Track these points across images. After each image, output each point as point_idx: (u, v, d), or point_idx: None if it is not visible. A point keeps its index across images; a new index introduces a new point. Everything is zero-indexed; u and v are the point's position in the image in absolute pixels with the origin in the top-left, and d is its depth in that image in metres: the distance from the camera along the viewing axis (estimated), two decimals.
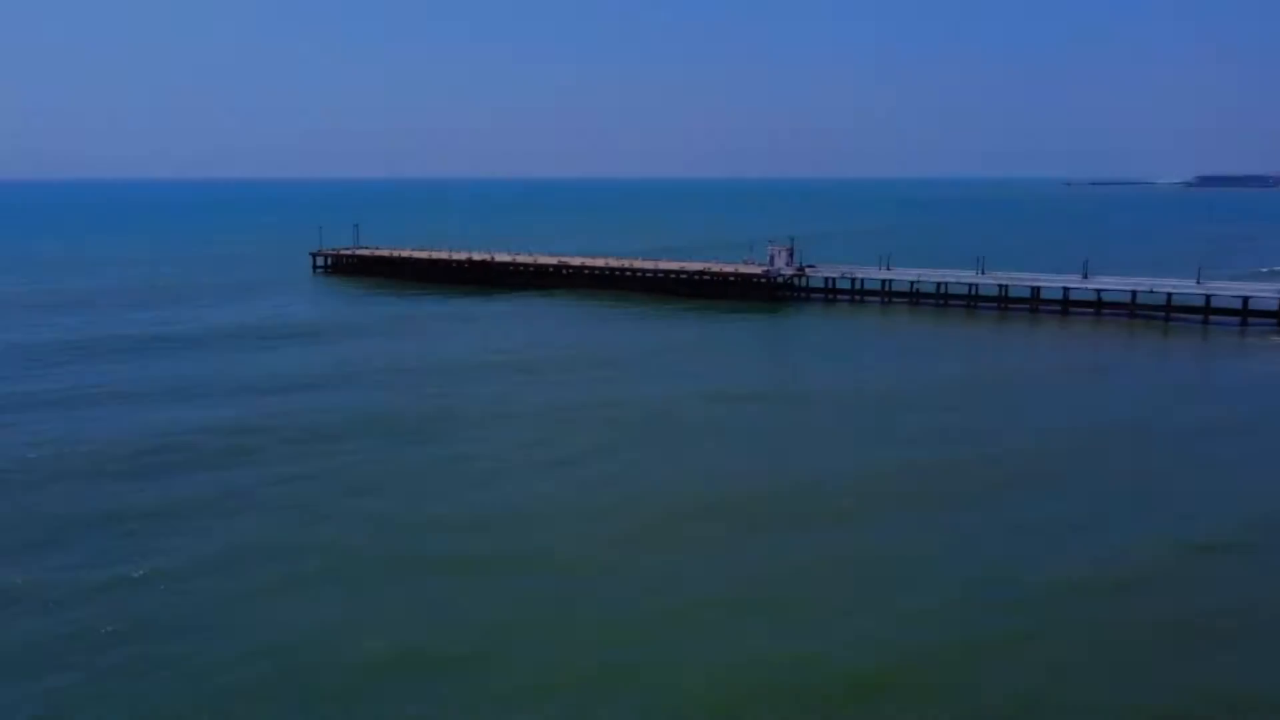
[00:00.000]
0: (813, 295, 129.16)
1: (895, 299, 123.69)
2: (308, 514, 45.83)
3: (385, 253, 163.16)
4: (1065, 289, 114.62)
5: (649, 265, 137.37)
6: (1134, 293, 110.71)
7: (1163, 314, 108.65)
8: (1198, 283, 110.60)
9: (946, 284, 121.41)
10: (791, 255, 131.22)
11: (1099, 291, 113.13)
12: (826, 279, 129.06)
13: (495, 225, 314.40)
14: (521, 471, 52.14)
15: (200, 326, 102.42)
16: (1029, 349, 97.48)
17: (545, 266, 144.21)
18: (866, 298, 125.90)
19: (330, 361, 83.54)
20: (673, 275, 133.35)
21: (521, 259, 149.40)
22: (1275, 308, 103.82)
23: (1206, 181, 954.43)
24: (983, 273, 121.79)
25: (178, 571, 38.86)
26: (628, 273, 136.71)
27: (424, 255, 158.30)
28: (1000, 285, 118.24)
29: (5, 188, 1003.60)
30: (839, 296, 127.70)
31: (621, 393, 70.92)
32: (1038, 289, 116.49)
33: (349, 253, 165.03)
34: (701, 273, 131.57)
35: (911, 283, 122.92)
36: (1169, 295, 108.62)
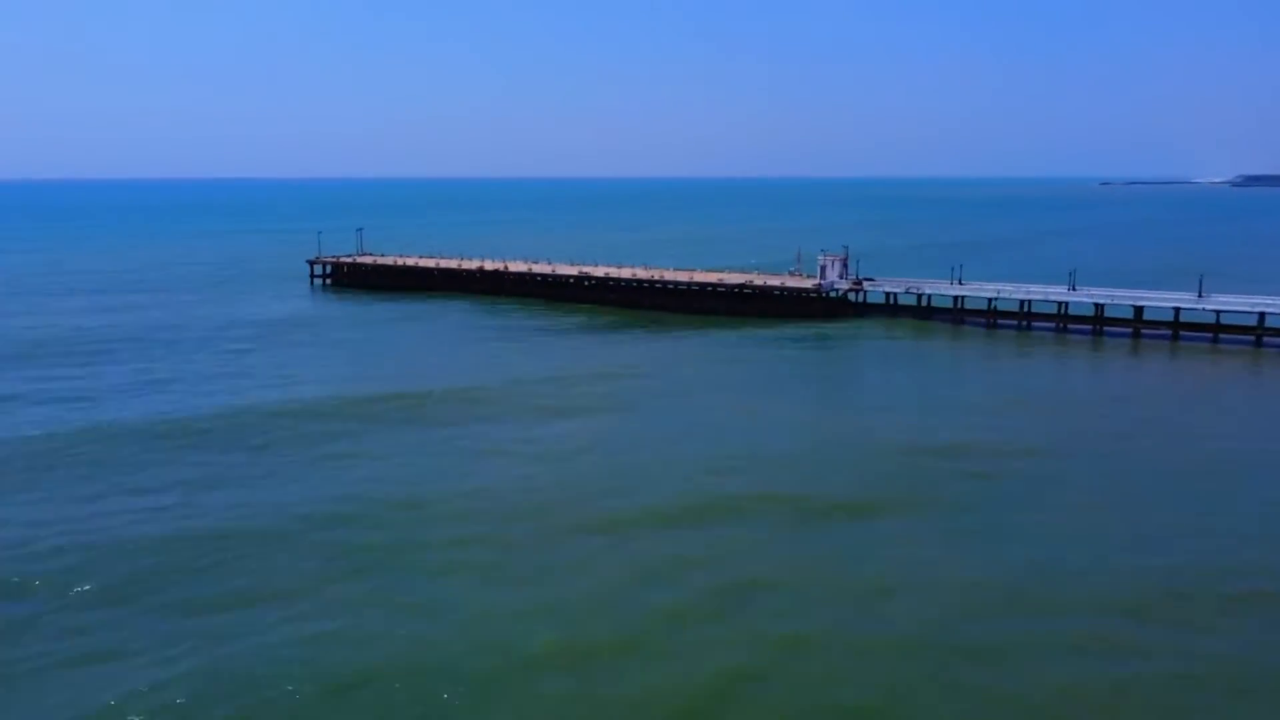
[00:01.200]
0: (871, 313, 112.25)
1: (969, 318, 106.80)
2: None
3: (390, 261, 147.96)
4: (1176, 309, 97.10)
5: (682, 277, 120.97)
6: (1262, 314, 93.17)
7: None
8: None
9: (1030, 301, 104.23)
10: (846, 266, 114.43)
11: (1218, 313, 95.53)
12: (887, 294, 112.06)
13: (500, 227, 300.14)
14: None
15: (118, 416, 64.12)
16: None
17: (564, 278, 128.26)
18: (934, 317, 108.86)
19: (327, 497, 49.55)
20: (709, 289, 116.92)
21: (538, 269, 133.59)
22: None
23: (1251, 180, 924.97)
24: (1074, 288, 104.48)
25: None
26: (657, 285, 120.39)
27: (432, 264, 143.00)
28: (1095, 304, 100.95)
29: None
30: (901, 314, 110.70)
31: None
32: (1140, 309, 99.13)
33: (350, 261, 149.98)
34: (743, 286, 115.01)
35: (989, 300, 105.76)
36: None
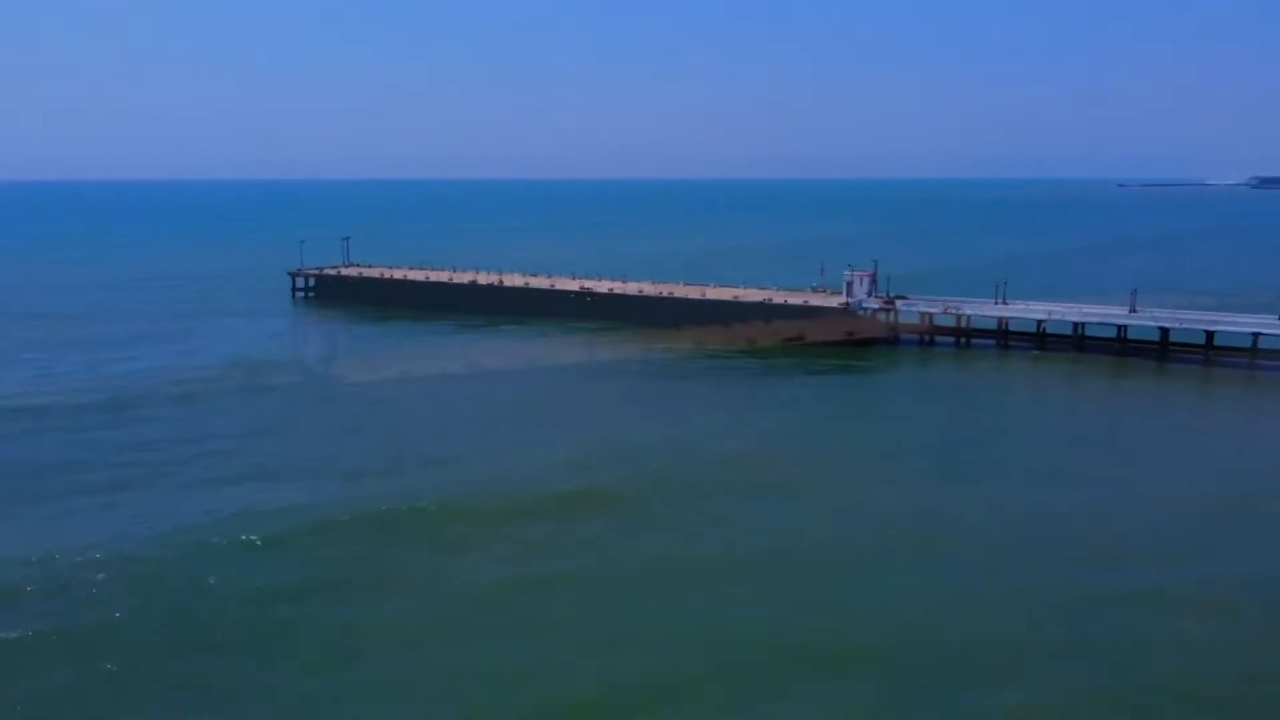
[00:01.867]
0: (903, 333, 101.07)
1: (1014, 341, 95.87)
2: None
3: (376, 273, 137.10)
4: (1255, 334, 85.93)
5: (694, 294, 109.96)
6: None
7: None
8: None
9: (1086, 324, 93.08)
10: (874, 283, 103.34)
11: None
12: (922, 314, 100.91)
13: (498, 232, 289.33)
14: None
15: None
16: None
17: (565, 293, 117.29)
18: (975, 340, 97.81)
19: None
20: (724, 306, 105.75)
21: (536, 283, 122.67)
22: None
23: (1266, 183, 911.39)
24: (1134, 309, 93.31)
25: None
26: (666, 302, 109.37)
27: (421, 276, 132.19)
28: (1161, 327, 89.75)
29: None
30: (938, 337, 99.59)
31: None
32: (1212, 334, 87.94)
33: (334, 273, 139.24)
34: (762, 304, 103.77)
35: (1039, 322, 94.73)
36: None
